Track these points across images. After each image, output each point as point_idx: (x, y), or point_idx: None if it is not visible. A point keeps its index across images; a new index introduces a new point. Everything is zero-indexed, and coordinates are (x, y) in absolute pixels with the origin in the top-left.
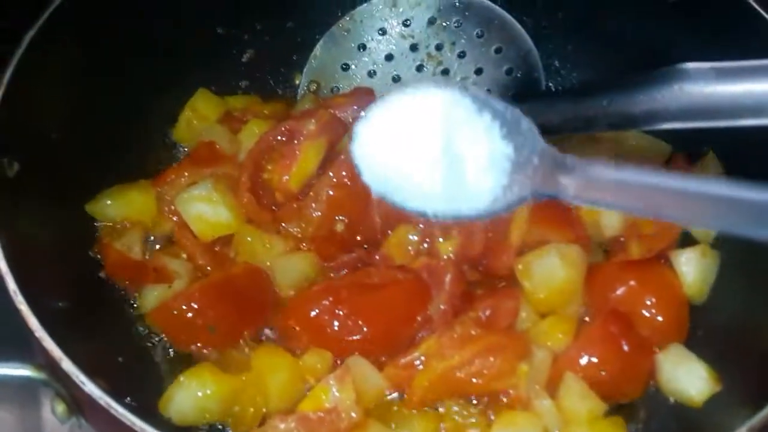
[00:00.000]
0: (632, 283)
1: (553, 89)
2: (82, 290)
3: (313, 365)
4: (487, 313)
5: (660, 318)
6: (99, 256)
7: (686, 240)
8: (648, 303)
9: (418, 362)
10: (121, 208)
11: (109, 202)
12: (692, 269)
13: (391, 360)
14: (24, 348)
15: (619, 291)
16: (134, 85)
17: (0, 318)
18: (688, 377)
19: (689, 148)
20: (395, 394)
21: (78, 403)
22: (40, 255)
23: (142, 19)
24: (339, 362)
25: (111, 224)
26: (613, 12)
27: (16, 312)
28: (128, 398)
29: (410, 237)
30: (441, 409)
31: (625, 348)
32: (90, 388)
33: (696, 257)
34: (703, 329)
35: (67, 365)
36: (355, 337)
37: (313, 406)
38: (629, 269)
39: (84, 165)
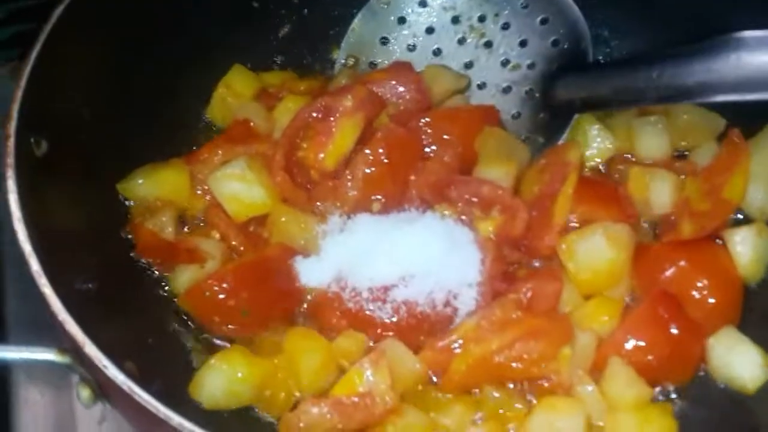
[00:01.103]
0: (683, 263)
1: (601, 61)
2: (112, 271)
3: (347, 348)
4: (529, 295)
5: (712, 300)
6: (130, 237)
7: (740, 219)
8: (699, 284)
9: (455, 346)
10: (154, 187)
11: (141, 181)
12: (747, 249)
13: (428, 343)
14: (49, 331)
15: (669, 272)
16: (167, 62)
17: (26, 300)
18: (741, 362)
19: (745, 123)
20: (432, 378)
21: (102, 388)
22: (67, 236)
23: None
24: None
25: (143, 204)
26: None
27: (40, 295)
28: (157, 381)
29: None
30: (478, 394)
31: (674, 331)
32: (113, 372)
33: (751, 236)
34: (757, 312)
35: (90, 349)
36: (392, 319)
37: (346, 390)
38: (680, 249)
39: (115, 144)
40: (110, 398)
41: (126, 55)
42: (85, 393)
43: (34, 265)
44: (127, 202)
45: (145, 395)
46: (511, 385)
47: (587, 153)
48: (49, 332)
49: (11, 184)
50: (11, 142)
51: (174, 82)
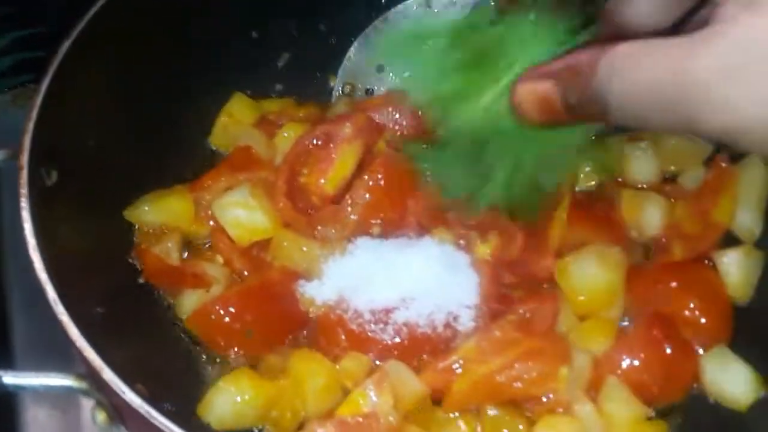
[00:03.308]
0: (674, 284)
1: None
2: (121, 296)
3: (351, 370)
4: (527, 316)
5: (703, 320)
6: (137, 262)
7: (729, 240)
8: (691, 305)
9: (456, 366)
10: (159, 213)
11: (147, 207)
12: (736, 270)
13: (429, 364)
14: (64, 357)
15: (661, 293)
16: (171, 91)
17: (40, 327)
18: (732, 380)
19: (731, 148)
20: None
21: (118, 412)
22: (79, 262)
23: (177, 26)
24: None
25: (149, 230)
26: None
27: (56, 321)
28: (167, 403)
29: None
30: (479, 414)
31: (668, 351)
32: (130, 396)
33: (740, 258)
34: (747, 331)
35: (107, 374)
36: (395, 340)
37: (351, 410)
38: (671, 271)
39: (122, 172)
40: (126, 421)
41: (131, 86)
42: (101, 416)
43: (51, 293)
44: (134, 229)
45: (162, 418)
46: (513, 405)
47: (579, 176)
48: (58, 356)
49: (25, 215)
50: (24, 174)
51: (177, 111)
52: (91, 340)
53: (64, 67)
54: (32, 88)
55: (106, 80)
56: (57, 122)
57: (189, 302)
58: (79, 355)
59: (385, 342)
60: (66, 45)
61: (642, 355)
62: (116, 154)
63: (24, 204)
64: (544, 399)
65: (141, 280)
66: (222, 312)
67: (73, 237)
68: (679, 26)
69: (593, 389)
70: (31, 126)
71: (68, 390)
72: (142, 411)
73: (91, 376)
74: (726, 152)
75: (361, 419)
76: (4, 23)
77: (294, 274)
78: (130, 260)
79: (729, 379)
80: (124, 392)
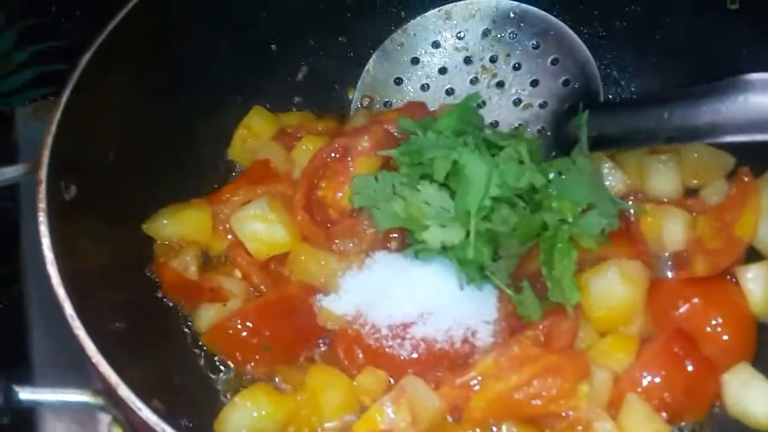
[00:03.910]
0: (696, 300)
1: (612, 100)
2: (139, 311)
3: (368, 385)
4: (545, 332)
5: (726, 337)
6: (155, 276)
7: (752, 255)
8: (713, 321)
9: (474, 382)
10: (177, 227)
11: (165, 221)
12: (759, 286)
13: (447, 380)
14: (82, 373)
15: (683, 309)
16: (190, 104)
17: (58, 342)
18: (756, 399)
19: (754, 161)
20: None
21: (135, 427)
22: (97, 277)
23: (198, 40)
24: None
25: (167, 243)
26: (674, 20)
27: (74, 337)
28: (184, 419)
29: None
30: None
31: (690, 368)
32: (146, 414)
33: (763, 273)
34: None
35: (123, 391)
36: (412, 356)
37: (367, 427)
38: (693, 286)
39: (141, 185)
40: None
41: (150, 99)
42: None
43: (68, 309)
44: (152, 243)
45: None
46: (533, 422)
47: None
48: (77, 371)
49: (43, 229)
50: (43, 188)
51: (196, 124)
52: (108, 356)
53: (83, 80)
54: (52, 101)
55: (125, 93)
56: (76, 135)
57: (206, 316)
58: (95, 371)
59: (402, 357)
60: (86, 58)
61: (663, 373)
62: (135, 167)
63: (42, 218)
64: (564, 416)
65: (159, 294)
66: (240, 326)
67: (91, 251)
68: None
69: (613, 407)
70: (50, 140)
71: (85, 406)
72: (158, 429)
73: (107, 392)
74: (749, 166)
75: None
76: (24, 37)
77: (312, 289)
78: (149, 274)
79: (751, 397)
80: (140, 409)
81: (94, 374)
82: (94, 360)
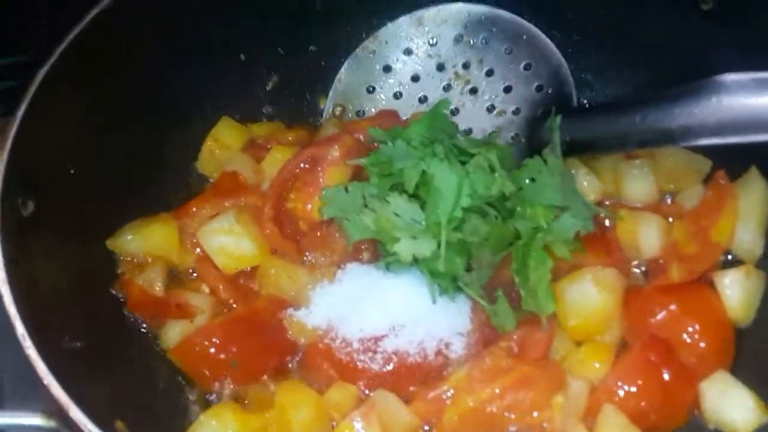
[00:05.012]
0: (673, 307)
1: (586, 105)
2: (102, 329)
3: (338, 400)
4: (519, 342)
5: (703, 344)
6: (120, 293)
7: (729, 261)
8: (690, 329)
9: (446, 396)
10: (143, 242)
11: (130, 237)
12: (736, 291)
13: (419, 393)
14: (36, 395)
15: (659, 316)
16: (157, 116)
17: (14, 363)
18: (733, 407)
19: (730, 164)
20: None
21: None
22: (56, 295)
23: (162, 51)
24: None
25: (133, 260)
26: (646, 22)
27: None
28: None
29: None
30: None
31: (666, 377)
32: None
33: (740, 279)
34: (748, 354)
35: (74, 413)
36: (384, 369)
37: None
38: (670, 293)
39: (105, 201)
40: None
41: (113, 111)
42: None
43: (20, 328)
44: (117, 259)
45: None
46: None
47: None
48: (33, 395)
49: None
50: None
51: (163, 137)
52: (61, 376)
53: (39, 96)
54: (7, 120)
55: (85, 107)
56: (34, 152)
57: (173, 333)
58: (47, 391)
59: (374, 371)
60: (42, 73)
61: (639, 382)
62: (97, 181)
63: None
64: (539, 428)
65: (125, 312)
66: (207, 343)
67: (51, 269)
68: None
69: (590, 417)
70: (5, 157)
71: (38, 429)
72: None
73: (59, 414)
74: (725, 169)
75: None
76: None
77: (281, 303)
78: (113, 291)
79: (729, 406)
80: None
81: (46, 396)
82: (45, 380)
